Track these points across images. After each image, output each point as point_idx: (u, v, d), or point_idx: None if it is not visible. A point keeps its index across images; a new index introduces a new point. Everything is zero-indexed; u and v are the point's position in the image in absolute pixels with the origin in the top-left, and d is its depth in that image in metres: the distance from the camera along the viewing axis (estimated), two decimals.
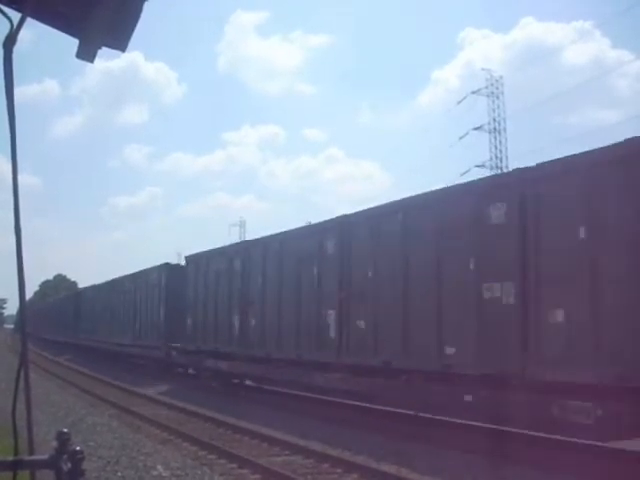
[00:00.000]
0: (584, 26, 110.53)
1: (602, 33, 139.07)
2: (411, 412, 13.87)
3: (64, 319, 51.22)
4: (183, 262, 26.80)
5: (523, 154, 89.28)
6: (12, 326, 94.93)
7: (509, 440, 10.94)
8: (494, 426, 11.81)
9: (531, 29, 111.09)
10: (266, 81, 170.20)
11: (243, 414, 16.03)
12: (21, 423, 2.11)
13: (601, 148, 9.91)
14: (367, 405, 15.60)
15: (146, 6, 2.08)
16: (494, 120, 55.63)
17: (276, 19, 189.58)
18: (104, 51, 2.17)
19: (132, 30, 2.13)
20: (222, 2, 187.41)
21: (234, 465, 11.22)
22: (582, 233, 9.78)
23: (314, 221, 17.79)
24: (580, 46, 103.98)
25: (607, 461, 9.49)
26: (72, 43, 2.15)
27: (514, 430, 11.42)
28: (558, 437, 10.72)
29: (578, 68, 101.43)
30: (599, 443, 9.80)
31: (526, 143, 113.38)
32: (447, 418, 13.25)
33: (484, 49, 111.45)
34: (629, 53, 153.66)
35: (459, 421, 12.84)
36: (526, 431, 11.31)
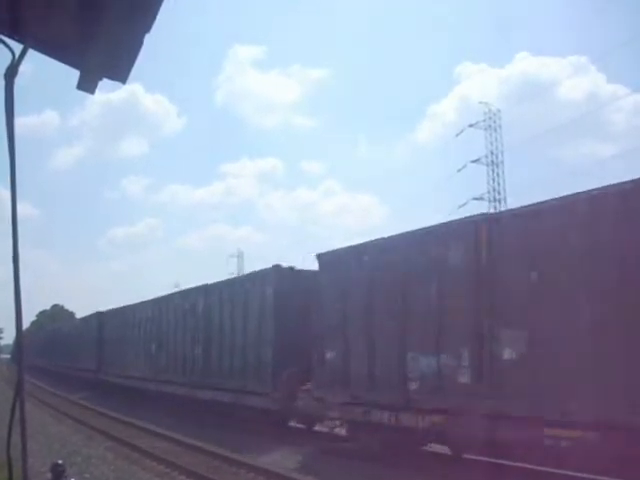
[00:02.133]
0: (580, 61, 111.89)
1: (597, 68, 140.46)
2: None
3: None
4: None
5: (520, 187, 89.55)
6: (9, 356, 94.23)
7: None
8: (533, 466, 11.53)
9: (526, 64, 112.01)
10: (264, 114, 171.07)
11: (240, 446, 15.86)
12: (16, 454, 2.10)
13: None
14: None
15: (146, 38, 2.10)
16: (492, 153, 56.03)
17: (274, 53, 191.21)
18: (104, 83, 2.19)
19: (133, 62, 2.15)
20: (221, 36, 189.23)
21: None
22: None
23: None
24: (575, 80, 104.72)
25: None
26: (73, 74, 2.17)
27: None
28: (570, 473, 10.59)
29: (574, 102, 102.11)
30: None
31: (523, 176, 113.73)
32: None
33: (480, 83, 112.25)
34: (624, 87, 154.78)
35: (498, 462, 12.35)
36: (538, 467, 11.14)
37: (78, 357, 42.18)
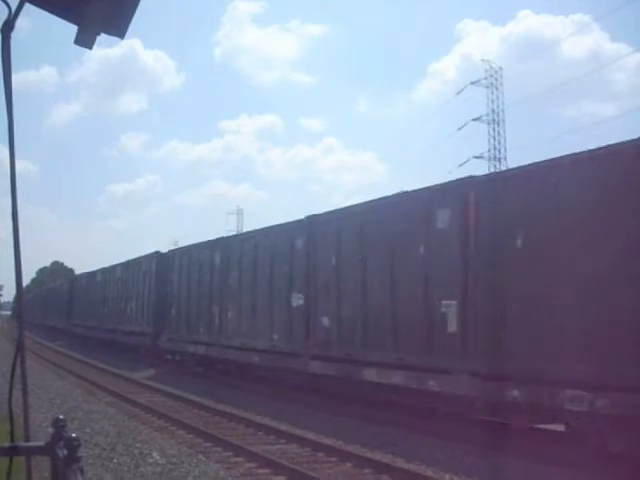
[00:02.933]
0: (583, 19, 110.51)
1: (601, 27, 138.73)
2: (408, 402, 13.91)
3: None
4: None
5: (521, 145, 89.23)
6: (9, 313, 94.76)
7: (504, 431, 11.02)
8: (490, 418, 11.88)
9: (529, 22, 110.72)
10: (263, 71, 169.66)
11: (238, 402, 16.07)
12: (17, 410, 2.12)
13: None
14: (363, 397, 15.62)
15: None
16: (493, 111, 55.68)
17: (273, 9, 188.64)
18: (103, 38, 2.17)
19: (131, 17, 2.12)
20: None
21: (229, 453, 11.25)
22: None
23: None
24: (578, 39, 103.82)
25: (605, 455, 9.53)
26: (71, 30, 2.15)
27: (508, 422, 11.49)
28: (553, 428, 10.85)
29: (576, 61, 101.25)
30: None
31: (524, 134, 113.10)
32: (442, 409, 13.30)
33: (481, 41, 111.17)
34: (627, 46, 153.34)
35: (456, 412, 12.86)
36: (522, 423, 11.38)
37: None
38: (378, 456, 10.67)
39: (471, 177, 12.55)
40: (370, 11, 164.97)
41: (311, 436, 12.29)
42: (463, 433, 11.40)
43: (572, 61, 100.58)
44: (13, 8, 2.00)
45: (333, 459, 10.84)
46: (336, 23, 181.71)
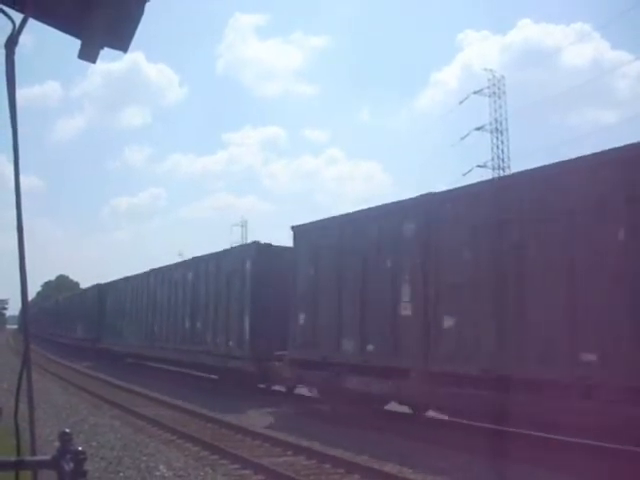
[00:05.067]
0: (583, 28, 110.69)
1: (602, 35, 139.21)
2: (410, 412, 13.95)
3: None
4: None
5: (524, 154, 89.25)
6: (15, 326, 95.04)
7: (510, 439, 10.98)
8: (494, 426, 11.85)
9: (529, 31, 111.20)
10: (266, 82, 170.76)
11: (244, 414, 16.04)
12: (23, 424, 2.12)
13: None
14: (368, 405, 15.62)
15: (148, 6, 2.08)
16: (496, 120, 55.74)
17: (276, 21, 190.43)
18: (106, 52, 2.18)
19: (134, 30, 2.13)
20: (222, 4, 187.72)
21: (237, 466, 11.21)
22: None
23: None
24: (579, 47, 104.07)
25: (608, 462, 9.52)
26: (74, 44, 2.16)
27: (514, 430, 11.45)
28: (559, 437, 10.81)
29: (577, 69, 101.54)
30: (599, 443, 9.87)
31: (527, 143, 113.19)
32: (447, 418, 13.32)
33: (482, 50, 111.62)
34: (628, 54, 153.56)
35: (459, 421, 12.88)
36: (526, 431, 11.37)
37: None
38: (386, 467, 10.62)
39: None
40: (372, 22, 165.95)
41: (318, 447, 12.26)
42: (467, 441, 11.38)
43: (573, 69, 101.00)
44: (17, 23, 2.01)
45: (340, 470, 10.80)
46: (338, 34, 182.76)
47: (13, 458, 2.11)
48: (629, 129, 74.09)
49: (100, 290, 40.35)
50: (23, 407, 2.09)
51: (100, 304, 39.32)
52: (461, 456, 11.13)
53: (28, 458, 2.15)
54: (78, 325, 45.30)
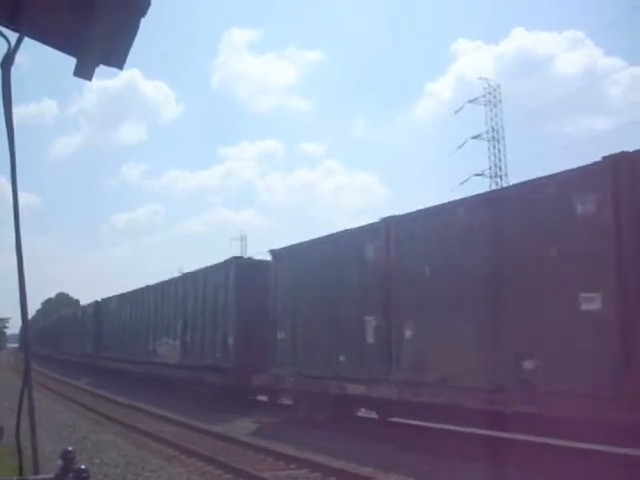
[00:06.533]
0: (576, 35, 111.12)
1: (595, 43, 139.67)
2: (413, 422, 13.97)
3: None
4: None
5: (521, 162, 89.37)
6: (16, 345, 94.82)
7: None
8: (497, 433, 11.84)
9: (522, 39, 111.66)
10: (261, 97, 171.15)
11: (246, 428, 16.00)
12: (25, 443, 2.11)
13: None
14: (369, 416, 15.65)
15: (143, 23, 2.09)
16: (492, 129, 55.83)
17: (269, 36, 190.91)
18: (102, 69, 2.18)
19: (129, 47, 2.14)
20: (216, 20, 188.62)
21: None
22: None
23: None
24: (572, 55, 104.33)
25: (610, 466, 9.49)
26: (70, 62, 2.16)
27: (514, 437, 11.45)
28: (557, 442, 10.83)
29: (571, 77, 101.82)
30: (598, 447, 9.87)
31: (523, 151, 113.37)
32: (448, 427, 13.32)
33: (476, 60, 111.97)
34: (621, 61, 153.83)
35: (461, 429, 12.86)
36: (524, 437, 11.39)
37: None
38: (391, 478, 10.57)
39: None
40: (365, 35, 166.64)
41: (322, 460, 12.20)
42: (474, 451, 11.32)
43: (567, 77, 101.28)
44: (12, 42, 2.02)
45: None
46: (331, 48, 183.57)
47: (16, 477, 2.11)
48: (622, 135, 74.10)
49: (97, 307, 41.08)
50: (25, 426, 2.08)
51: (97, 321, 40.24)
52: (463, 465, 11.05)
53: (31, 477, 2.14)
54: (78, 341, 45.69)
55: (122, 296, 36.20)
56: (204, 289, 24.02)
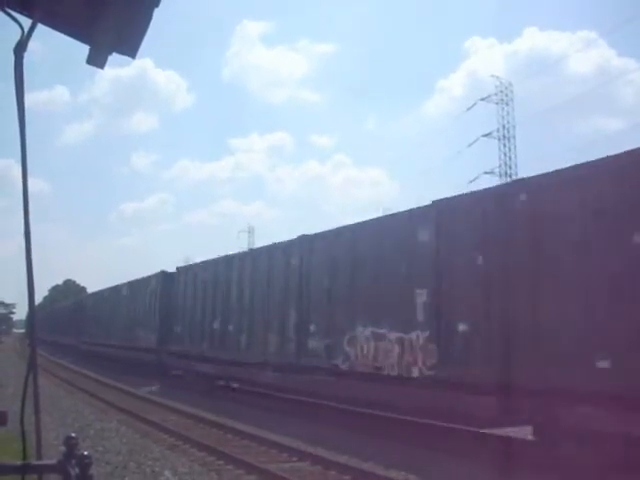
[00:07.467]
0: (589, 35, 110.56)
1: (608, 43, 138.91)
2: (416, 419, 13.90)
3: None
4: None
5: (531, 161, 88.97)
6: (22, 330, 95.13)
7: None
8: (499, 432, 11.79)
9: (535, 39, 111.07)
10: (272, 89, 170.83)
11: (251, 419, 16.01)
12: (29, 428, 2.12)
13: None
14: (372, 412, 15.62)
15: (156, 13, 2.09)
16: (503, 127, 55.50)
17: (282, 28, 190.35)
18: (115, 58, 2.19)
19: (142, 36, 2.14)
20: (229, 12, 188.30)
21: (242, 471, 11.19)
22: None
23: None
24: (585, 55, 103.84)
25: None
26: (83, 50, 2.17)
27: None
28: None
29: (583, 77, 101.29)
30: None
31: (534, 150, 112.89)
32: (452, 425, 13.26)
33: (489, 58, 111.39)
34: (634, 61, 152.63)
35: (462, 427, 12.80)
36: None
37: None
38: (392, 474, 10.58)
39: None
40: (377, 30, 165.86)
41: (324, 453, 12.22)
42: (474, 449, 11.31)
43: (579, 77, 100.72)
44: (26, 29, 2.02)
45: (346, 477, 10.76)
46: (344, 42, 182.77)
47: (19, 462, 2.12)
48: (635, 136, 73.68)
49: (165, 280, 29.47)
50: (29, 411, 2.09)
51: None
52: (465, 464, 11.04)
53: (34, 462, 2.16)
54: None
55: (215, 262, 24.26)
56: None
